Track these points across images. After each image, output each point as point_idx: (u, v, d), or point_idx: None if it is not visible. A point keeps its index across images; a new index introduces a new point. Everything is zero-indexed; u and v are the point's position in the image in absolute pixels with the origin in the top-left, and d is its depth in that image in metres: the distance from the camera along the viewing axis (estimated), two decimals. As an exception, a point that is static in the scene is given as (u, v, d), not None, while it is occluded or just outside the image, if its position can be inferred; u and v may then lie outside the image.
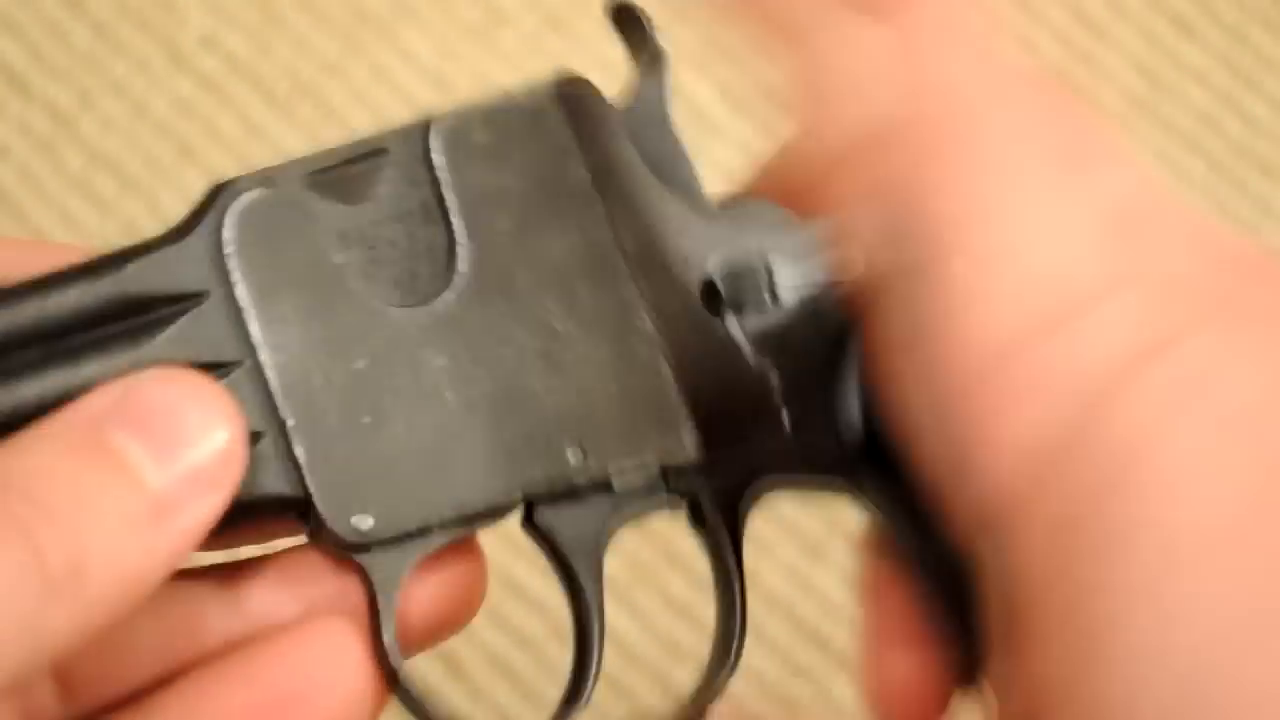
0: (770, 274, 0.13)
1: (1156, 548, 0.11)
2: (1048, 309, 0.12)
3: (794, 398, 0.13)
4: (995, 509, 0.12)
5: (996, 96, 0.14)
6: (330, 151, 0.13)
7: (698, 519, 0.13)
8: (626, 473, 0.13)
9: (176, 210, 0.24)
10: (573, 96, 0.13)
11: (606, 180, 0.13)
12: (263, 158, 0.26)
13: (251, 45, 0.26)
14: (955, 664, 0.14)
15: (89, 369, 0.12)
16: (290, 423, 0.12)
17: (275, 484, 0.12)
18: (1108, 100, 0.27)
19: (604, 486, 0.13)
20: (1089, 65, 0.28)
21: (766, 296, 0.13)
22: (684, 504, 0.13)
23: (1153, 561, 0.11)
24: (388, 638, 0.12)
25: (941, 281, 0.12)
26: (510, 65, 0.27)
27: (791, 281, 0.13)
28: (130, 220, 0.25)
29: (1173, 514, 0.11)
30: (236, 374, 0.12)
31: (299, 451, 0.12)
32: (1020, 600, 0.12)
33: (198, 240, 0.12)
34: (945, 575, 0.13)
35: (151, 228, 0.26)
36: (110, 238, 0.26)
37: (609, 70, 0.22)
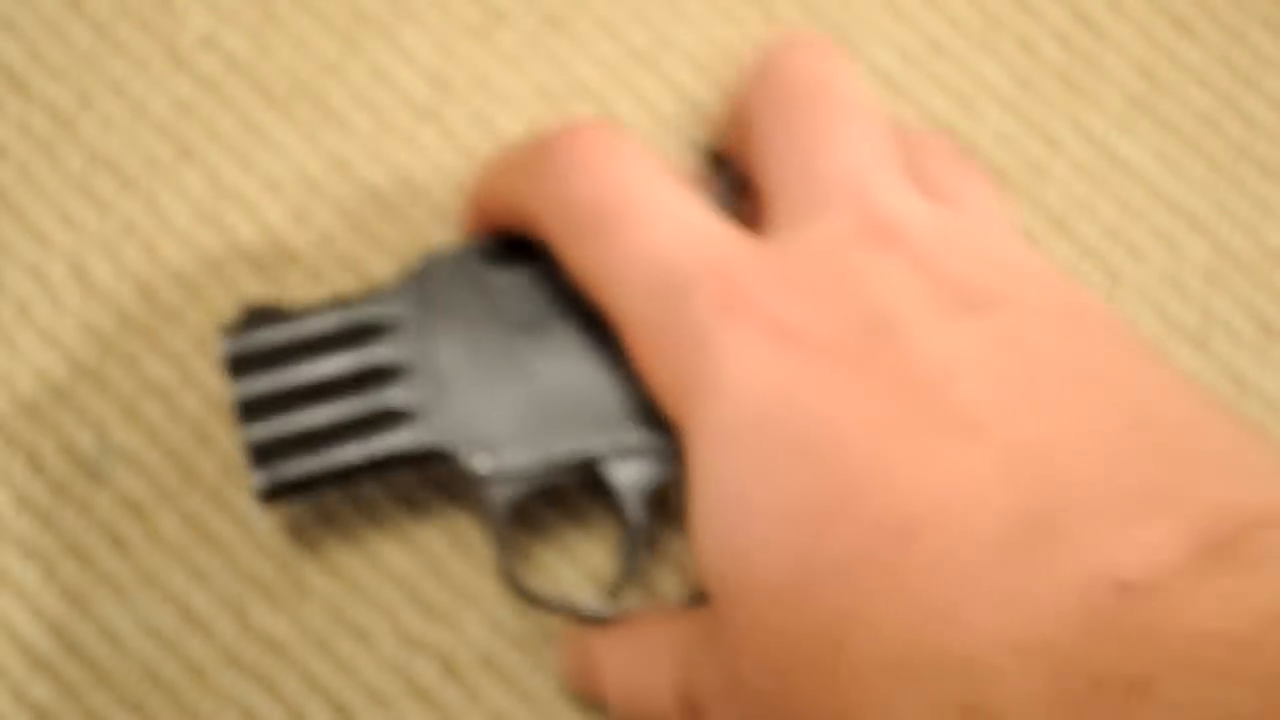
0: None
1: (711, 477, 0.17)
2: None
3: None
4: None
5: None
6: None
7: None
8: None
9: (177, 210, 0.24)
10: None
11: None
12: (263, 158, 0.26)
13: (251, 45, 0.26)
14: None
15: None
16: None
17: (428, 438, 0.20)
18: (1108, 100, 0.27)
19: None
20: (1088, 65, 0.27)
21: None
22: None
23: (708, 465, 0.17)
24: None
25: None
26: (510, 66, 0.26)
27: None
28: (130, 220, 0.25)
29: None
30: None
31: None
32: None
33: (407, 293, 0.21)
34: None
35: (151, 228, 0.26)
36: (110, 238, 0.26)
37: (608, 69, 0.22)
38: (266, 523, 0.24)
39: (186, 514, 0.24)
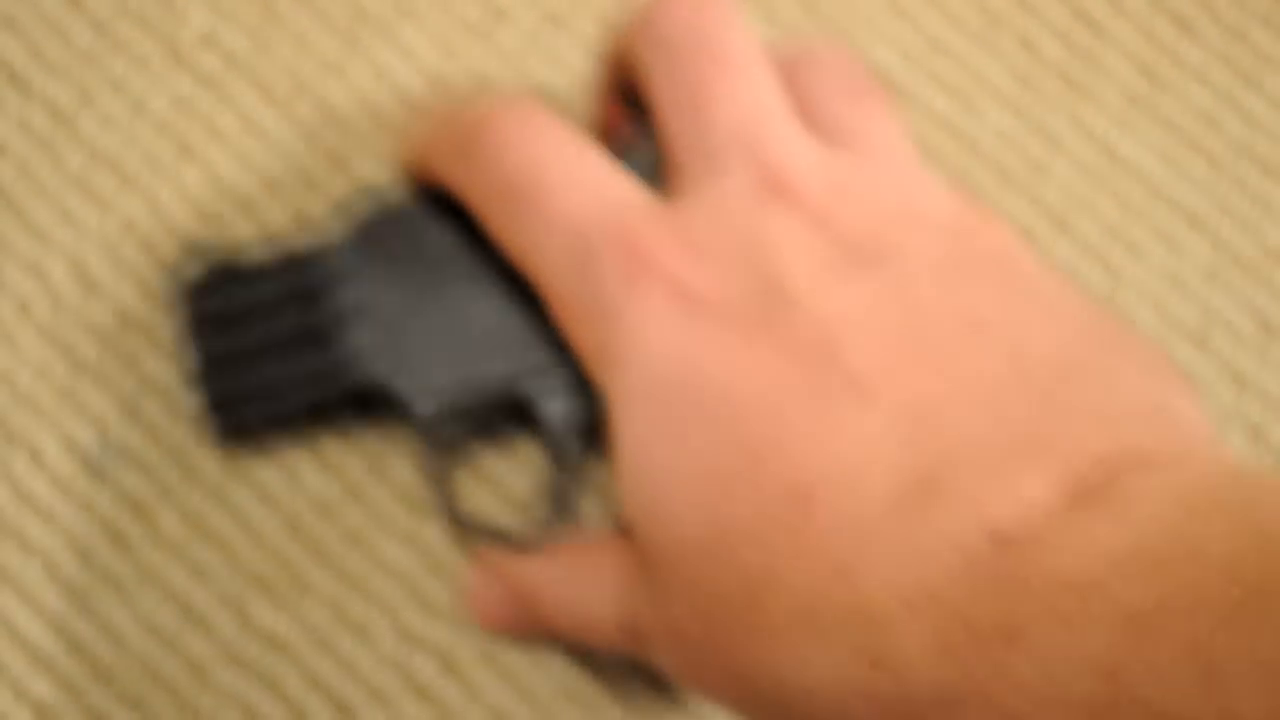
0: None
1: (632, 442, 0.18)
2: None
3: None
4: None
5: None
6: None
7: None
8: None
9: (177, 208, 0.24)
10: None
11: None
12: (263, 158, 0.26)
13: (251, 44, 0.26)
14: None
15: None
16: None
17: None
18: (1108, 99, 0.27)
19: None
20: (1088, 63, 0.27)
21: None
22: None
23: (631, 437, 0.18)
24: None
25: None
26: (509, 64, 0.26)
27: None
28: (130, 218, 0.25)
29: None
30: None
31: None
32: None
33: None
34: None
35: (151, 226, 0.26)
36: (110, 236, 0.26)
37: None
38: (267, 521, 0.24)
39: (187, 511, 0.24)
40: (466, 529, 0.22)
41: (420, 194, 0.22)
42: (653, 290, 0.17)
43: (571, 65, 0.26)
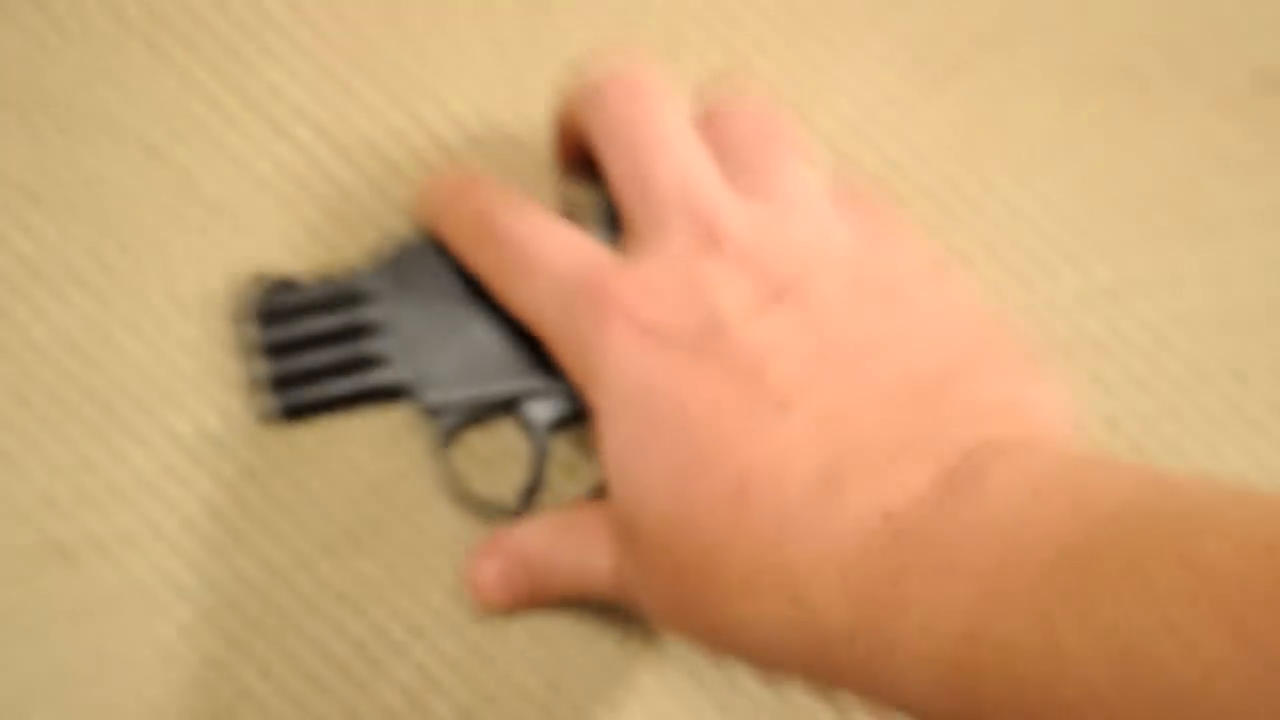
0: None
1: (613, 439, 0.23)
2: None
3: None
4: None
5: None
6: None
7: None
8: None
9: (253, 246, 0.31)
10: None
11: None
12: (313, 208, 0.32)
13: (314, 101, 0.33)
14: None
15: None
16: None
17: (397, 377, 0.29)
18: (1025, 146, 0.33)
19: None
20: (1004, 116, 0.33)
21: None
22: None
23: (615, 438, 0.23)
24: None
25: None
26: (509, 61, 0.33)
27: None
28: (233, 254, 0.32)
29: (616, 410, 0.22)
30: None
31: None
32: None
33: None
34: None
35: (241, 261, 0.32)
36: (218, 265, 0.32)
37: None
38: (354, 484, 0.31)
39: (292, 477, 0.31)
40: (464, 497, 0.29)
41: (434, 238, 0.29)
42: (618, 325, 0.22)
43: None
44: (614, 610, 0.30)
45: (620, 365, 0.22)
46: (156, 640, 0.30)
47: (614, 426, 0.22)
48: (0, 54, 0.32)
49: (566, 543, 0.25)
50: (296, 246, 0.32)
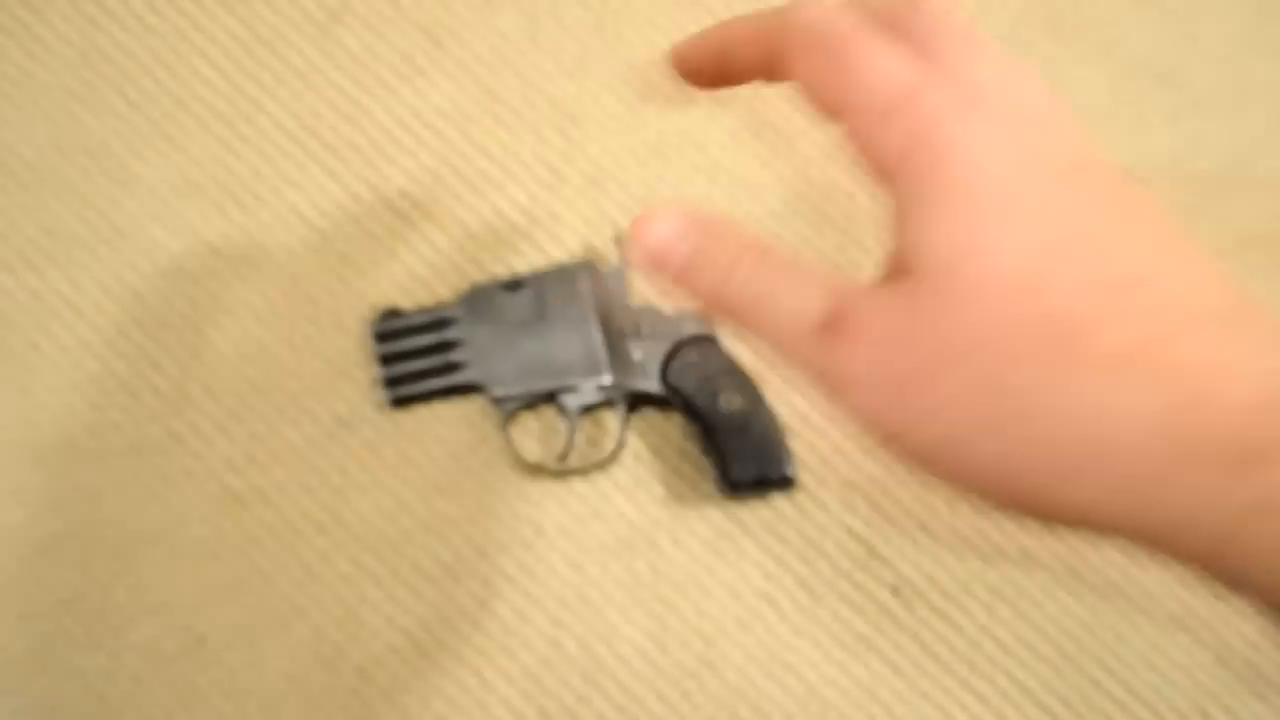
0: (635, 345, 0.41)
1: (961, 206, 0.18)
2: None
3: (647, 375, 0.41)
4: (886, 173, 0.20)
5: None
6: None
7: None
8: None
9: (368, 288, 0.44)
10: (590, 264, 0.42)
11: (596, 292, 0.41)
12: (420, 266, 0.45)
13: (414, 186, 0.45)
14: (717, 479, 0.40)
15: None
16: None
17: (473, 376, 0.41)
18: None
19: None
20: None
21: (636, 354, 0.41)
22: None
23: (961, 214, 0.18)
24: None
25: None
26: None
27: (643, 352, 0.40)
28: (358, 292, 0.44)
29: (968, 180, 0.18)
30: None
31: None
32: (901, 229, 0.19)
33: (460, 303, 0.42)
34: (708, 433, 0.40)
35: (360, 299, 0.45)
36: (347, 297, 0.45)
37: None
38: (439, 451, 0.43)
39: (396, 447, 0.43)
40: (517, 460, 0.41)
41: (502, 281, 0.41)
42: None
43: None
44: (628, 543, 0.42)
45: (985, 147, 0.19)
46: (303, 562, 0.42)
47: (971, 195, 0.18)
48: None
49: (787, 273, 0.20)
50: (404, 288, 0.44)
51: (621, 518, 0.42)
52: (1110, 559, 0.42)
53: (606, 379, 0.40)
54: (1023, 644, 0.41)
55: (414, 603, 0.41)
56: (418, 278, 0.44)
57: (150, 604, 0.41)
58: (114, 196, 0.45)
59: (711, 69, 0.22)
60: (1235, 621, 0.42)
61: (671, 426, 0.42)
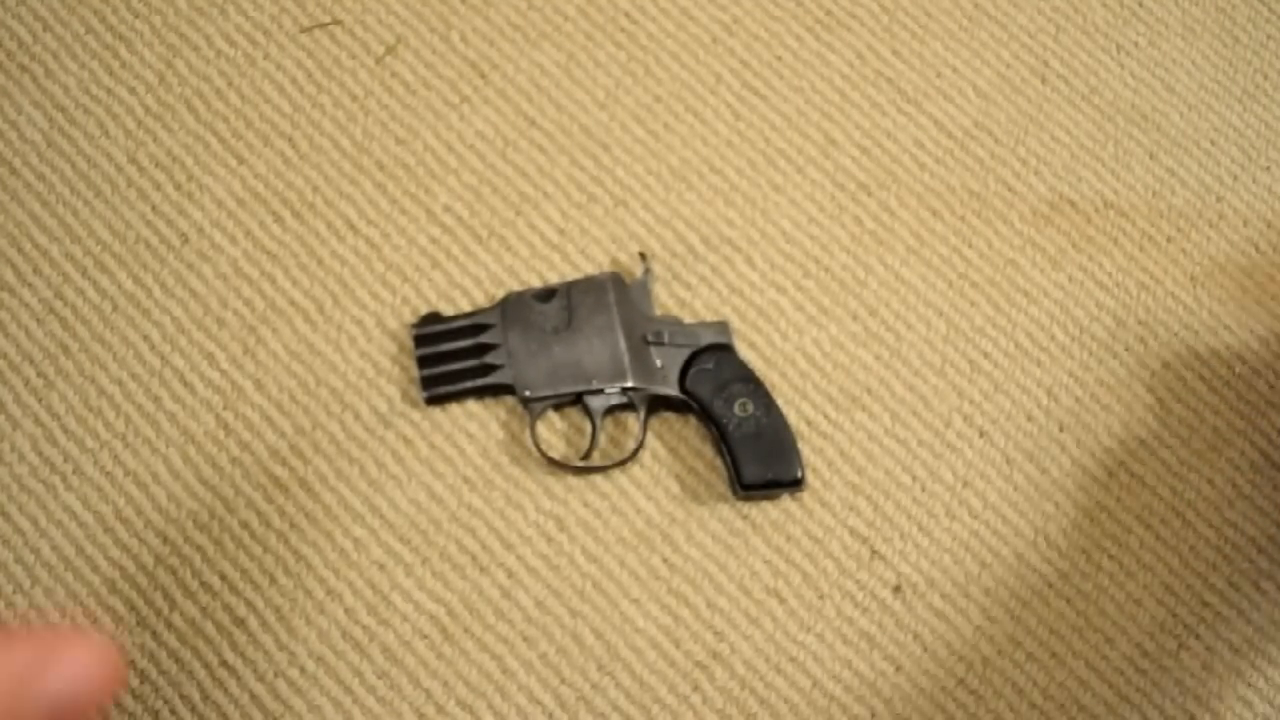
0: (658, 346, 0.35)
1: None
2: None
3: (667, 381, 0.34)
4: None
5: None
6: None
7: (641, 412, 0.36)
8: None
9: (417, 300, 0.39)
10: (617, 277, 0.35)
11: (622, 302, 0.35)
12: (462, 277, 0.40)
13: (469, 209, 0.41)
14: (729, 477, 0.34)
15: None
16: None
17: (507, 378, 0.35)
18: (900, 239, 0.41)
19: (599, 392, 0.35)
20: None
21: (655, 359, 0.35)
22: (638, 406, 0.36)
23: None
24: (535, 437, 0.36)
25: None
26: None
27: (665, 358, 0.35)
28: (403, 301, 0.39)
29: None
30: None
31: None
32: None
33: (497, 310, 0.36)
34: (722, 437, 0.33)
35: (403, 306, 0.40)
36: (392, 310, 0.40)
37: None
38: (470, 448, 0.37)
39: (432, 442, 0.37)
40: (545, 456, 0.36)
41: (534, 290, 0.36)
42: None
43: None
44: (644, 537, 0.36)
45: None
46: (340, 548, 0.36)
47: None
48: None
49: None
50: (446, 295, 0.39)
51: (639, 514, 0.37)
52: (1101, 565, 0.37)
53: (629, 383, 0.35)
54: (1016, 645, 0.36)
55: (442, 590, 0.36)
56: (458, 285, 0.39)
57: (193, 586, 0.36)
58: (181, 205, 0.40)
59: None
60: (1221, 628, 0.36)
61: (689, 429, 0.37)
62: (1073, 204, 0.40)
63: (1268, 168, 0.41)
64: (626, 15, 0.42)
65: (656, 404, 0.36)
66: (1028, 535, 0.36)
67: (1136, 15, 0.43)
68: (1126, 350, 0.39)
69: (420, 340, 0.36)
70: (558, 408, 0.36)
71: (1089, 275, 0.40)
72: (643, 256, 0.37)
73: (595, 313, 0.35)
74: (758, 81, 0.42)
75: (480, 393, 0.36)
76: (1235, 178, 0.41)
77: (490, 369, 0.36)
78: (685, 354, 0.35)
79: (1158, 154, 0.41)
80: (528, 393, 0.35)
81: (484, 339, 0.36)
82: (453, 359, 0.36)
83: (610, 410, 0.35)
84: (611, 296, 0.36)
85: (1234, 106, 0.42)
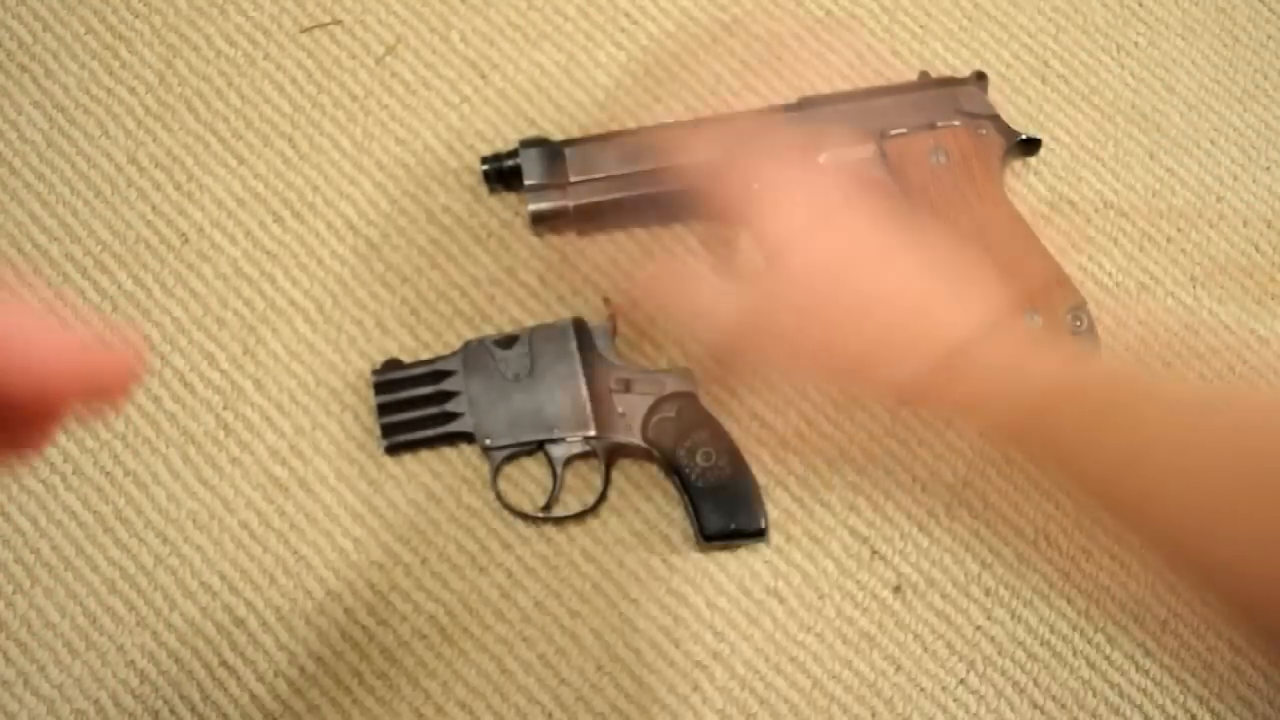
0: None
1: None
2: None
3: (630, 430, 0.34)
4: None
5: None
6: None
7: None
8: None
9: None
10: (580, 322, 0.35)
11: (585, 349, 0.34)
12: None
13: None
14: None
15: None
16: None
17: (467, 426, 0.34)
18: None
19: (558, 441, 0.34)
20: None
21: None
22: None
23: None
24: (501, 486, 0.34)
25: None
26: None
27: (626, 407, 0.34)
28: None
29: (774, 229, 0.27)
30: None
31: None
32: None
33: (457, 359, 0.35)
34: (684, 487, 0.33)
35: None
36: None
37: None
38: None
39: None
40: (505, 505, 0.34)
41: (495, 340, 0.34)
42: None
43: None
44: (643, 538, 0.35)
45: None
46: (339, 548, 0.35)
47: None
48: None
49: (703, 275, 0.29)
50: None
51: (638, 513, 0.36)
52: (1102, 565, 0.36)
53: (591, 432, 0.34)
54: (1017, 644, 0.35)
55: (441, 591, 0.35)
56: (457, 285, 0.38)
57: (193, 586, 0.35)
58: (181, 205, 0.39)
59: None
60: (1222, 627, 0.35)
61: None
62: (1073, 204, 0.39)
63: (1268, 168, 0.40)
64: (626, 15, 0.41)
65: (617, 452, 0.35)
66: (1028, 535, 0.35)
67: (1136, 15, 0.42)
68: (1127, 350, 0.38)
69: (380, 388, 0.35)
70: (517, 456, 0.35)
71: (1089, 275, 0.39)
72: (606, 301, 0.36)
73: (558, 360, 0.34)
74: (758, 81, 0.40)
75: (440, 442, 0.35)
76: (1235, 178, 0.40)
77: (450, 416, 0.34)
78: (649, 401, 0.34)
79: (1158, 154, 0.40)
80: (488, 441, 0.34)
81: (445, 386, 0.34)
82: (412, 406, 0.34)
83: (569, 459, 0.34)
84: (574, 344, 0.34)
85: (1234, 106, 0.41)
